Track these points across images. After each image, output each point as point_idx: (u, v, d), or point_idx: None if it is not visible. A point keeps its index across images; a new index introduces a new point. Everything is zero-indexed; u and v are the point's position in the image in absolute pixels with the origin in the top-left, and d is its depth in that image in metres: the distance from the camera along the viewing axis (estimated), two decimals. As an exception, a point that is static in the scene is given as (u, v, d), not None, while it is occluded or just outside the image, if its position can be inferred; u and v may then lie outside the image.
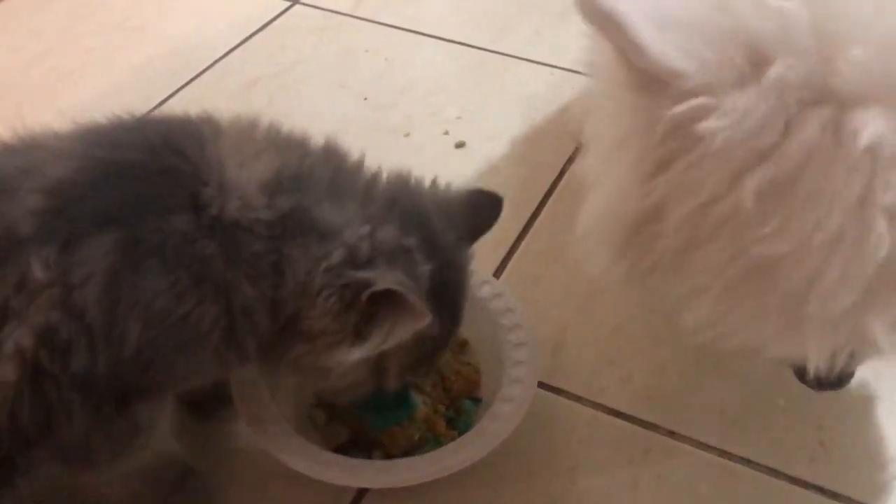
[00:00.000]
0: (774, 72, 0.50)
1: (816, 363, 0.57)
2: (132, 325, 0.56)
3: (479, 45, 1.25)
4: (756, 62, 0.51)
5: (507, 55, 1.23)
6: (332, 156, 0.63)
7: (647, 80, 0.53)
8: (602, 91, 0.66)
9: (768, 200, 0.51)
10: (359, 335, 0.60)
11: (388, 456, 0.71)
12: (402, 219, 0.61)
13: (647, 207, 0.57)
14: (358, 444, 0.72)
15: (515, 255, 0.93)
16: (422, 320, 0.58)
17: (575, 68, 1.15)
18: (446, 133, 1.10)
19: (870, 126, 0.48)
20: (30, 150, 0.60)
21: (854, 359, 0.59)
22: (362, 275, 0.58)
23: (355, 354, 0.60)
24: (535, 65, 1.21)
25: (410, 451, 0.72)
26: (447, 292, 0.64)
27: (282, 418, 0.70)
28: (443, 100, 1.15)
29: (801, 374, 0.68)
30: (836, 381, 0.66)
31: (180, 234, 0.56)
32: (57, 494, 0.65)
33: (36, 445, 0.58)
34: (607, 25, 0.52)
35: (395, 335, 0.60)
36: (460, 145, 1.08)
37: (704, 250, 0.55)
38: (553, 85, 1.17)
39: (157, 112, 1.13)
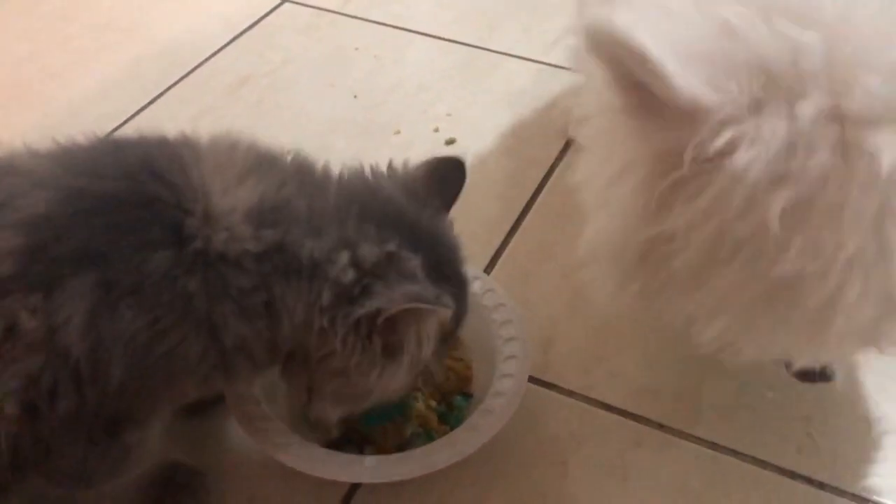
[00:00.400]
0: (789, 98, 0.51)
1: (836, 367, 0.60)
2: (115, 363, 0.55)
3: (468, 42, 1.25)
4: (771, 88, 0.52)
5: (495, 52, 1.24)
6: (305, 177, 0.62)
7: (652, 108, 0.53)
8: (595, 107, 0.65)
9: (790, 222, 0.52)
10: (388, 351, 0.61)
11: (381, 451, 0.71)
12: (376, 224, 0.61)
13: (661, 232, 0.57)
14: (350, 441, 0.73)
15: (506, 251, 0.94)
16: (442, 314, 0.60)
17: (563, 64, 1.16)
18: (436, 130, 1.10)
19: (889, 149, 0.49)
20: (4, 177, 0.58)
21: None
22: (370, 305, 0.58)
23: (400, 371, 0.63)
24: (523, 61, 1.21)
25: (402, 446, 0.72)
26: (444, 266, 0.64)
27: (274, 415, 0.70)
28: (432, 97, 1.16)
29: (788, 365, 0.69)
30: (829, 374, 0.68)
31: (159, 272, 0.55)
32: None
33: (35, 470, 0.59)
34: (626, 57, 0.51)
35: (424, 338, 0.62)
36: (450, 142, 1.08)
37: (723, 271, 0.55)
38: (541, 81, 1.17)
39: (148, 110, 1.14)
